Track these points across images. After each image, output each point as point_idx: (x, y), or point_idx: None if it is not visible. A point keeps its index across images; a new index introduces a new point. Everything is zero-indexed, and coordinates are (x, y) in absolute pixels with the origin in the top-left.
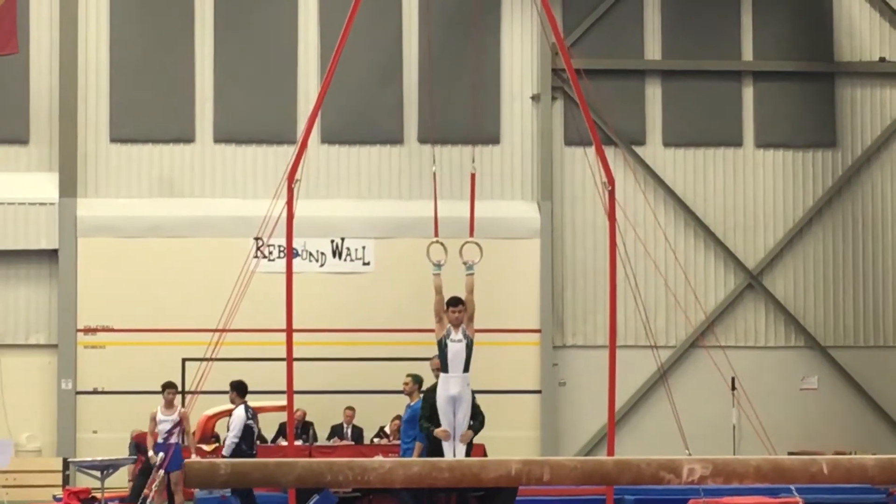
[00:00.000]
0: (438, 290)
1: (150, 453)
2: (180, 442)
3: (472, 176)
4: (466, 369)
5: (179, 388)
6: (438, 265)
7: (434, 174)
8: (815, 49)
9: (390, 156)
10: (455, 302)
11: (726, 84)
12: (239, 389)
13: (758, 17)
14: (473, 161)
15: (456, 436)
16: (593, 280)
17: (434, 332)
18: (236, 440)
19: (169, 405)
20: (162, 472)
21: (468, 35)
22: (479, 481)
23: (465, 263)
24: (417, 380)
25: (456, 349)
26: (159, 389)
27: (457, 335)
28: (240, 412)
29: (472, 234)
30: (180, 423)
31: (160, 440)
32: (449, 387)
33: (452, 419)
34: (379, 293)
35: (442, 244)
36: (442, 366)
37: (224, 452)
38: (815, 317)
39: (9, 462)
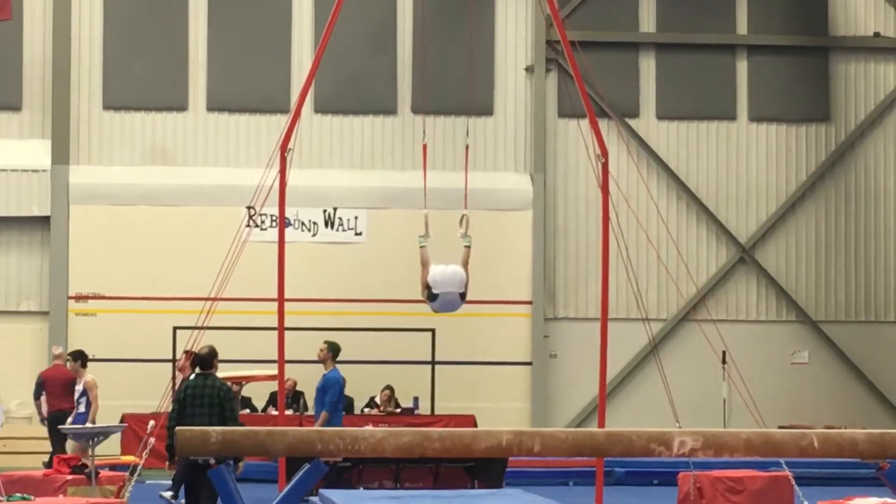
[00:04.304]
0: (425, 264)
1: (69, 420)
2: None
3: (466, 148)
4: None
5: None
6: (425, 237)
7: (424, 147)
8: (810, 23)
9: (384, 126)
10: None
11: (720, 57)
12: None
13: None
14: (468, 134)
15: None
16: (585, 252)
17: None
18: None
19: (74, 372)
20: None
21: (463, 5)
22: (470, 452)
23: (462, 236)
24: (333, 348)
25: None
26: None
27: None
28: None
29: (465, 206)
30: (86, 393)
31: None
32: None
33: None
34: (371, 263)
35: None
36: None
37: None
38: (807, 291)
39: None
